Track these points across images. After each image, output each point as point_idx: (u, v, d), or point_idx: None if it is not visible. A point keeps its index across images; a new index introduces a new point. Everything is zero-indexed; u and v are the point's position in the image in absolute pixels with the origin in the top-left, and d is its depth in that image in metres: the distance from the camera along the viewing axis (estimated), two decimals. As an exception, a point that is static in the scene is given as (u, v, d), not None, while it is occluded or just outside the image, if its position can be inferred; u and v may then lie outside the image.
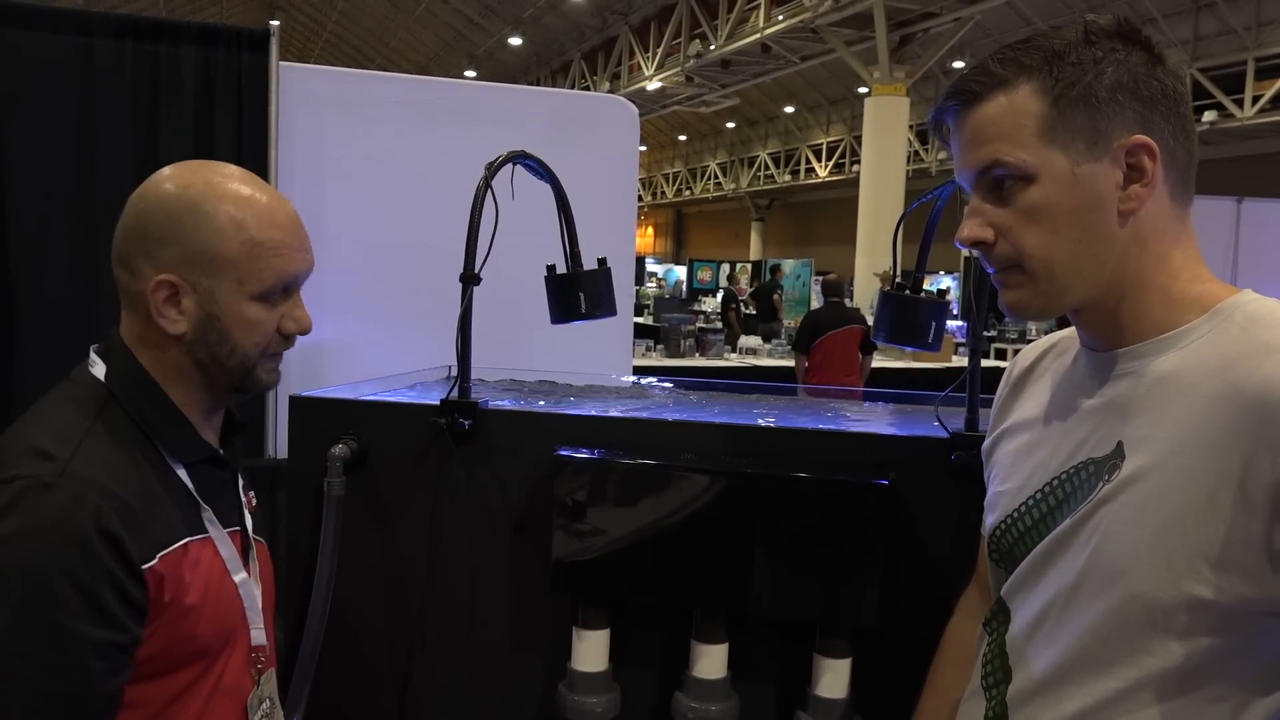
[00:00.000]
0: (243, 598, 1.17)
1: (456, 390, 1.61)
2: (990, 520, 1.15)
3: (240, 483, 1.24)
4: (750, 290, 15.56)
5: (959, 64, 17.23)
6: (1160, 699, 0.94)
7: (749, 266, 18.56)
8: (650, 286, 18.46)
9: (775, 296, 13.24)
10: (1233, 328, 0.96)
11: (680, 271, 19.88)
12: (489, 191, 1.61)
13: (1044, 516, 1.05)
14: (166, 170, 1.13)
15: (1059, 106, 0.97)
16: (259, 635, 1.20)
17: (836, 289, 7.68)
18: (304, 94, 3.19)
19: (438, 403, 1.61)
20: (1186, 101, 1.00)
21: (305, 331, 1.17)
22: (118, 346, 1.13)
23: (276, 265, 1.11)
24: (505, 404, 1.71)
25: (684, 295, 17.52)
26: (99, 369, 1.12)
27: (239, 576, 1.17)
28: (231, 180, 1.12)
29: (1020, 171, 0.98)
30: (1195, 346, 0.96)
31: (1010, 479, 1.12)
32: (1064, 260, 0.98)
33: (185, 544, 1.08)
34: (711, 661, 1.51)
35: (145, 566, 1.02)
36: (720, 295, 14.03)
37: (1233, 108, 15.90)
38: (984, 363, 1.61)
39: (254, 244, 1.10)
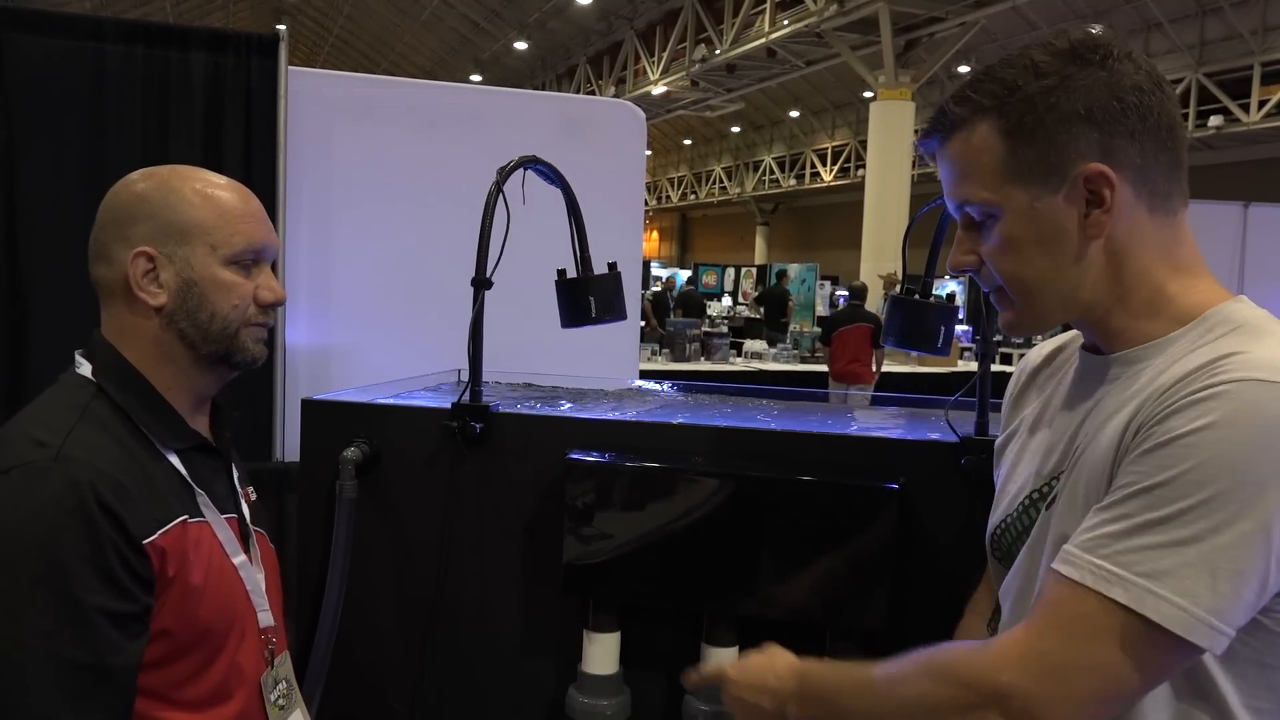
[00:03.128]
0: (244, 580, 1.19)
1: (468, 393, 1.62)
2: (992, 520, 1.16)
3: (236, 474, 1.27)
4: (756, 295, 15.56)
5: (964, 68, 17.21)
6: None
7: (754, 270, 18.57)
8: (656, 290, 18.45)
9: (789, 305, 13.32)
10: (1210, 334, 0.97)
11: (685, 276, 19.87)
12: (500, 196, 1.61)
13: (1038, 516, 1.06)
14: (134, 173, 1.20)
15: (1011, 144, 0.98)
16: (266, 617, 1.22)
17: (857, 294, 9.44)
18: (312, 98, 3.21)
19: (449, 406, 1.62)
20: (1159, 110, 0.97)
21: (280, 300, 1.22)
22: (101, 344, 1.17)
23: (246, 231, 1.17)
24: (518, 407, 1.71)
25: (688, 299, 17.50)
26: (85, 368, 1.16)
27: (238, 559, 1.19)
28: (195, 170, 1.20)
29: (985, 209, 1.01)
30: (1173, 351, 0.98)
31: (1013, 479, 1.14)
32: (1037, 287, 1.01)
33: (183, 522, 1.12)
34: (722, 664, 1.51)
35: (146, 541, 1.06)
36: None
37: (1239, 112, 15.88)
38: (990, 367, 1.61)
39: (222, 211, 1.17)
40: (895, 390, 8.36)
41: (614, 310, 1.75)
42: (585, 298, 1.74)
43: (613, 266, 1.77)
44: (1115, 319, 1.02)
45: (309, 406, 1.69)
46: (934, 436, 1.58)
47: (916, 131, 16.98)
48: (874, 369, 8.32)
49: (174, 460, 1.15)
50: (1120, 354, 1.02)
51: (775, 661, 1.15)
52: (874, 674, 1.03)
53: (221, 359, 1.18)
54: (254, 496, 1.30)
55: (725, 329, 11.88)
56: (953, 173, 1.04)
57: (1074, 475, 1.00)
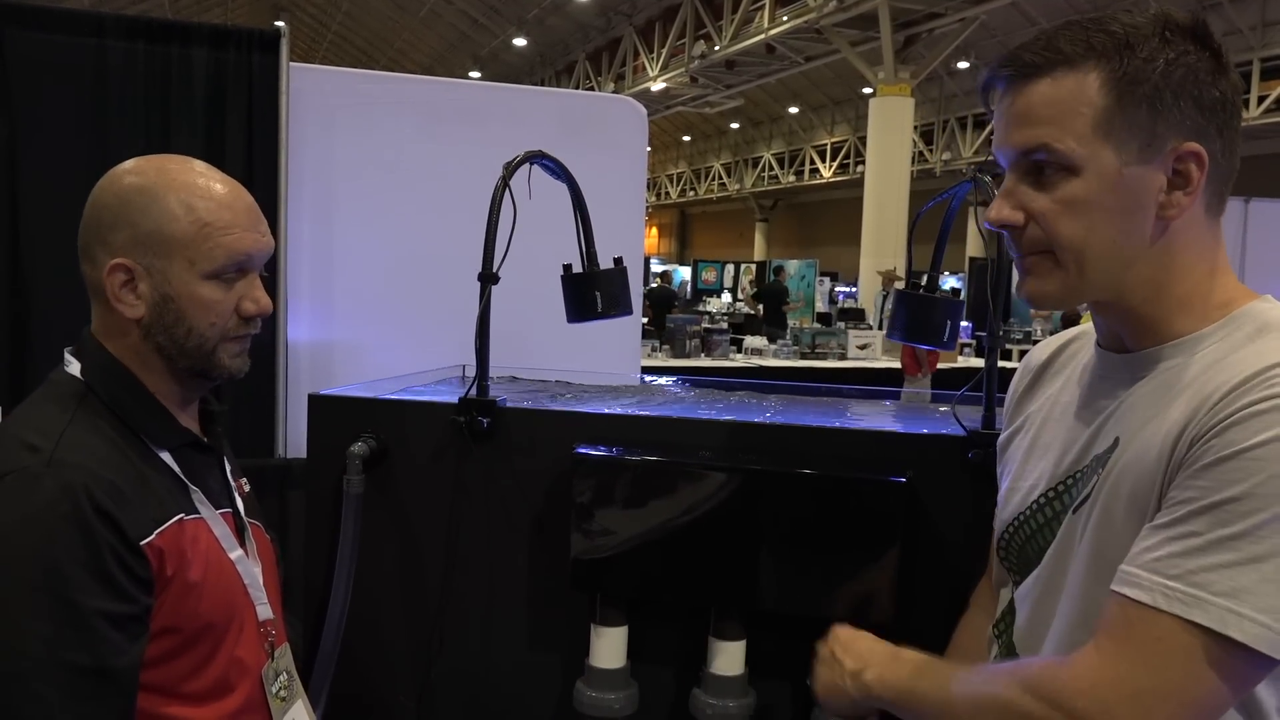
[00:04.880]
0: (241, 575, 1.20)
1: (475, 389, 1.62)
2: (1002, 518, 1.15)
3: (228, 468, 1.27)
4: (754, 291, 15.56)
5: (963, 64, 17.24)
6: None
7: (753, 267, 18.57)
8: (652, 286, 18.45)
9: (785, 305, 13.28)
10: (1241, 335, 0.95)
11: (685, 272, 19.90)
12: (506, 191, 1.61)
13: (1054, 516, 1.06)
14: (126, 163, 1.16)
15: (1122, 102, 0.93)
16: (265, 610, 1.23)
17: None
18: (314, 94, 3.21)
19: (456, 401, 1.62)
20: (1239, 115, 0.98)
21: (265, 312, 1.18)
22: (89, 343, 1.16)
23: (227, 244, 1.13)
24: (524, 402, 1.72)
25: (688, 296, 17.53)
26: (74, 367, 1.15)
27: (235, 554, 1.20)
28: (186, 168, 1.15)
29: (1066, 161, 0.95)
30: (1205, 352, 0.96)
31: (1024, 476, 1.12)
32: (1095, 257, 0.96)
33: (180, 520, 1.12)
34: (729, 658, 1.51)
35: (144, 542, 1.06)
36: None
37: (1238, 108, 15.87)
38: (979, 363, 1.61)
39: (203, 224, 1.12)
40: (896, 385, 8.37)
41: (620, 305, 1.76)
42: (591, 293, 1.74)
43: (619, 262, 1.78)
44: (1148, 309, 0.99)
45: (316, 401, 1.69)
46: (941, 430, 1.58)
47: (916, 127, 16.98)
48: (920, 362, 8.25)
49: (166, 458, 1.15)
50: (1145, 352, 1.00)
51: (872, 643, 1.14)
52: (954, 667, 1.04)
53: (198, 373, 1.17)
54: (247, 488, 1.31)
55: (725, 325, 11.86)
56: (1033, 114, 0.96)
57: (1112, 481, 0.97)
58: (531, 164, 1.69)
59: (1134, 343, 1.02)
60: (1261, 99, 15.58)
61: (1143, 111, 0.93)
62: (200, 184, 1.14)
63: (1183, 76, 0.94)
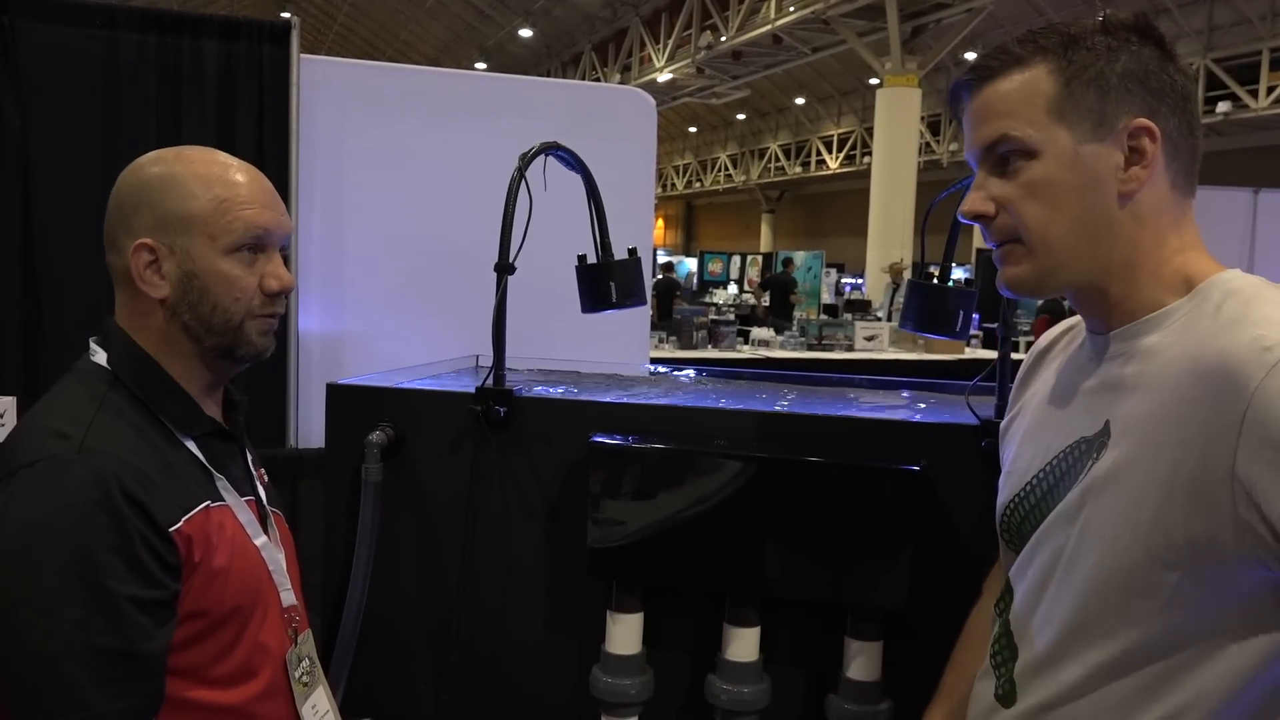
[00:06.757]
0: (266, 561, 1.21)
1: (492, 378, 1.63)
2: (1000, 500, 1.17)
3: (250, 457, 1.28)
4: (760, 282, 15.54)
5: (971, 55, 17.17)
6: (1147, 665, 0.97)
7: (760, 259, 18.54)
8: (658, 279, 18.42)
9: (792, 296, 13.23)
10: (1209, 305, 0.98)
11: (691, 263, 19.89)
12: (523, 181, 1.62)
13: (1045, 496, 1.08)
14: (147, 155, 1.19)
15: (1070, 87, 1.00)
16: (288, 596, 1.25)
17: None
18: (324, 86, 3.21)
19: (473, 390, 1.63)
20: (1194, 100, 1.04)
21: (288, 288, 1.20)
22: (115, 332, 1.18)
23: (245, 217, 1.16)
24: (541, 391, 1.73)
25: (695, 287, 17.51)
26: (100, 356, 1.17)
27: (260, 540, 1.21)
28: (205, 154, 1.19)
29: (1025, 146, 1.01)
30: (1175, 326, 0.99)
31: (1019, 459, 1.15)
32: (1061, 236, 1.01)
33: (206, 508, 1.13)
34: (744, 645, 1.53)
35: (172, 529, 1.08)
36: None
37: (1247, 98, 15.81)
38: (987, 354, 1.62)
39: (221, 199, 1.15)
40: (902, 376, 8.31)
41: (635, 295, 1.76)
42: (606, 283, 1.75)
43: (633, 252, 1.79)
44: (1120, 287, 1.02)
45: (334, 391, 1.70)
46: (954, 419, 1.60)
47: (923, 118, 16.94)
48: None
49: (191, 446, 1.17)
50: (1122, 329, 1.03)
51: None
52: None
53: (225, 353, 1.18)
54: (266, 478, 1.32)
55: (732, 316, 11.85)
56: (991, 110, 1.03)
57: (1110, 466, 0.98)
58: (546, 155, 1.69)
59: (1112, 321, 1.05)
60: (1271, 89, 15.51)
61: (1091, 94, 1.00)
62: (218, 166, 1.18)
63: (1127, 62, 1.00)
